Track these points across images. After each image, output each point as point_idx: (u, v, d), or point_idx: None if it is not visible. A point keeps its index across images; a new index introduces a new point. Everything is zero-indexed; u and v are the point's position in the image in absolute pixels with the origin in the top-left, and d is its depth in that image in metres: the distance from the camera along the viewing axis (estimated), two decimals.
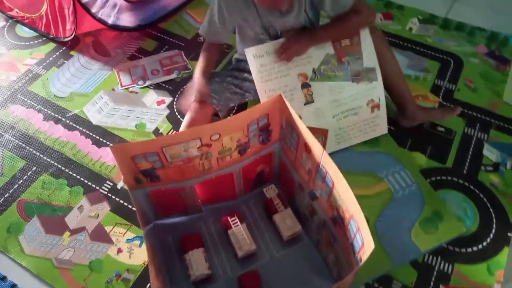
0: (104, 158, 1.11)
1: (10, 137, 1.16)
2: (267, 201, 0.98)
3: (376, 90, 1.09)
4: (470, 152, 1.13)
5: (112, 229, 0.98)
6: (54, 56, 1.37)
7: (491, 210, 1.02)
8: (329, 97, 1.07)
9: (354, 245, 0.70)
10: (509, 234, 0.97)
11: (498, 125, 1.18)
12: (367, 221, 0.94)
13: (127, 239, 0.96)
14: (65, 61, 1.36)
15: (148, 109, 1.23)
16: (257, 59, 1.02)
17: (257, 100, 1.07)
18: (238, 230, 0.92)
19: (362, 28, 1.04)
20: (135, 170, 0.79)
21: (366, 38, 1.05)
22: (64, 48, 1.39)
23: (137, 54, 1.38)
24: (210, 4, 1.03)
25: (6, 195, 1.03)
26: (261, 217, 0.99)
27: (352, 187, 1.00)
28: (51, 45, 1.40)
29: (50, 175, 1.08)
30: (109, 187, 1.05)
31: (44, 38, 1.42)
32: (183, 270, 0.88)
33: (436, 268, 0.92)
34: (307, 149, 0.78)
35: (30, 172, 1.08)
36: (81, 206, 1.02)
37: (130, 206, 1.01)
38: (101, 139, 1.15)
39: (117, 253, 0.94)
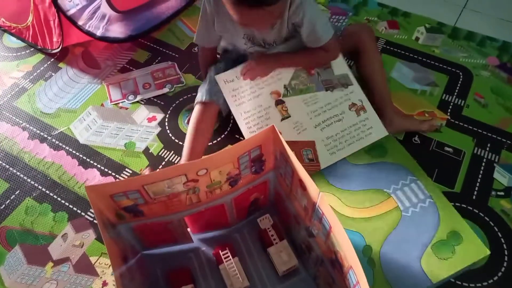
0: (90, 180, 1.05)
1: None
2: (261, 232, 0.92)
3: (355, 94, 1.07)
4: (480, 175, 1.05)
5: (97, 260, 0.93)
6: (41, 68, 1.31)
7: (502, 240, 0.95)
8: (305, 109, 1.06)
9: None
10: None
11: (510, 145, 1.11)
12: (370, 248, 0.91)
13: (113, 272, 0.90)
14: (53, 74, 1.29)
15: (139, 126, 1.16)
16: (228, 84, 1.05)
17: None
18: (230, 265, 0.86)
19: (324, 64, 1.08)
20: (115, 208, 0.73)
21: None
22: (52, 59, 1.33)
23: (128, 66, 1.31)
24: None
25: None
26: (255, 247, 0.92)
27: (355, 209, 0.97)
28: (39, 56, 1.34)
29: (34, 200, 1.02)
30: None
31: (32, 49, 1.36)
32: None
33: None
34: (302, 186, 0.71)
35: (13, 196, 1.03)
36: (65, 234, 0.97)
37: None
38: (88, 160, 1.09)
39: (102, 287, 0.89)
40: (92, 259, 0.93)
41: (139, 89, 1.25)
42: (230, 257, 0.86)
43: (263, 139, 0.74)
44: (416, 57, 1.33)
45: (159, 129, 1.16)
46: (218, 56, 1.17)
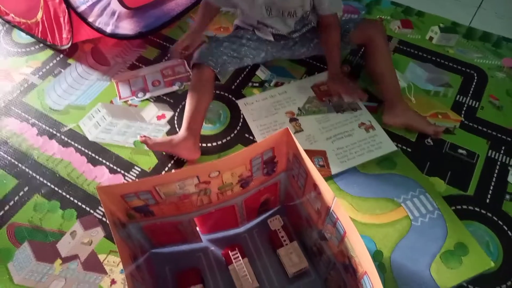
0: (99, 178, 1.04)
1: (2, 154, 1.10)
2: (271, 233, 0.91)
3: (364, 116, 1.14)
4: (494, 179, 1.03)
5: (105, 258, 0.92)
6: (51, 64, 1.30)
7: None
8: (317, 126, 1.12)
9: None
10: None
11: None
12: (381, 253, 0.90)
13: (121, 270, 0.90)
14: (62, 70, 1.29)
15: (148, 124, 1.15)
16: (248, 106, 1.17)
17: (255, 63, 1.24)
18: (239, 266, 0.85)
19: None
20: (126, 208, 0.72)
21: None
22: (61, 56, 1.32)
23: (137, 63, 1.30)
24: None
25: None
26: (265, 248, 0.91)
27: (366, 215, 0.97)
28: (48, 52, 1.34)
29: (43, 196, 1.02)
30: (104, 210, 0.99)
31: (42, 45, 1.35)
32: None
33: None
34: (316, 190, 0.70)
35: (22, 192, 1.02)
36: (74, 231, 0.96)
37: None
38: (96, 157, 1.08)
39: (111, 285, 0.88)
40: (101, 256, 0.92)
41: (149, 86, 1.24)
42: (240, 257, 0.85)
43: (277, 141, 0.73)
44: (429, 57, 1.30)
45: (168, 127, 1.15)
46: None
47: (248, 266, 0.85)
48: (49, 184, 1.04)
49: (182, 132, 1.04)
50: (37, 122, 1.16)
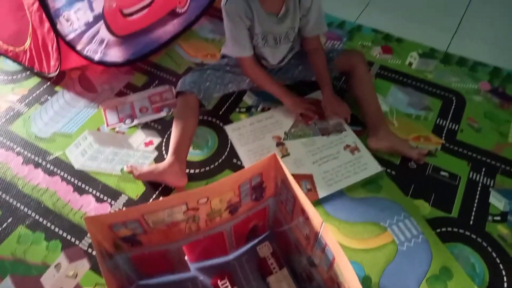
0: (85, 207, 1.03)
1: None
2: (260, 260, 0.90)
3: (349, 137, 1.16)
4: (476, 200, 1.06)
5: None
6: (37, 92, 1.30)
7: (500, 266, 0.95)
8: (304, 149, 1.14)
9: None
10: None
11: (504, 170, 1.12)
12: (369, 279, 0.90)
13: None
14: (49, 97, 1.29)
15: (135, 151, 1.15)
16: (235, 131, 1.19)
17: (240, 90, 1.27)
18: None
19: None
20: (113, 238, 0.71)
21: None
22: (48, 83, 1.32)
23: (125, 90, 1.31)
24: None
25: None
26: (254, 276, 0.91)
27: (353, 240, 0.97)
28: (35, 80, 1.34)
29: (27, 228, 0.99)
30: (90, 241, 0.97)
31: (28, 72, 1.35)
32: None
33: None
34: (304, 215, 0.71)
35: (5, 224, 1.00)
36: (58, 263, 0.94)
37: None
38: (83, 186, 1.07)
39: None
40: None
41: (136, 113, 1.24)
42: (229, 286, 0.84)
43: (264, 167, 0.74)
44: (410, 82, 1.35)
45: (156, 153, 1.15)
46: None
47: None
48: (33, 214, 1.02)
49: (168, 158, 1.05)
50: (22, 150, 1.15)
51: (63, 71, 1.32)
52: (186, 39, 1.49)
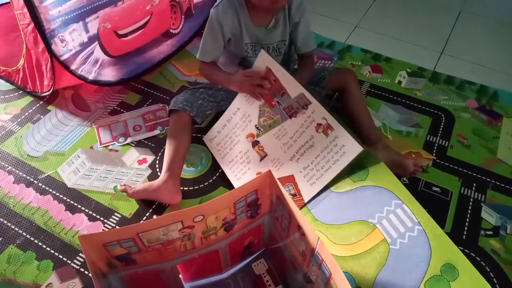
0: (78, 226, 1.02)
1: None
2: (256, 278, 0.90)
3: (317, 112, 1.02)
4: (468, 215, 1.07)
5: None
6: (30, 111, 1.30)
7: (494, 280, 0.95)
8: (278, 144, 1.08)
9: None
10: None
11: (495, 185, 1.14)
12: None
13: None
14: (42, 116, 1.28)
15: (129, 169, 1.15)
16: (213, 140, 1.17)
17: None
18: None
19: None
20: (108, 257, 0.70)
21: (274, 67, 1.03)
22: (41, 102, 1.32)
23: (118, 109, 1.32)
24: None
25: None
26: None
27: (342, 245, 0.91)
28: (28, 99, 1.34)
29: (17, 247, 0.97)
30: (82, 260, 0.95)
31: (21, 92, 1.35)
32: None
33: None
34: (300, 231, 0.71)
35: None
36: (50, 283, 0.92)
37: None
38: (75, 204, 1.06)
39: None
40: None
41: (130, 131, 1.25)
42: None
43: (260, 184, 0.75)
44: (400, 99, 1.38)
45: (149, 171, 1.15)
46: None
47: None
48: (24, 234, 1.00)
49: (162, 176, 1.05)
50: (14, 169, 1.14)
51: (56, 91, 1.32)
52: (179, 59, 1.51)
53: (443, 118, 1.32)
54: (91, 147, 1.20)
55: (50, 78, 1.21)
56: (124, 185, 1.05)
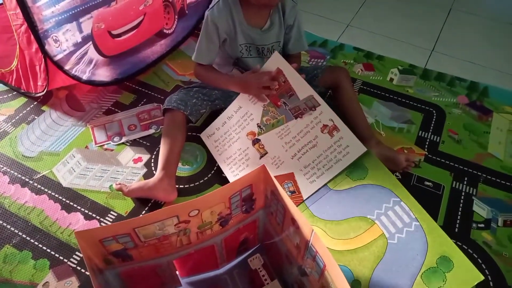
0: (74, 225, 1.02)
1: None
2: (252, 272, 0.91)
3: (324, 114, 1.04)
4: (460, 208, 1.09)
5: None
6: (24, 111, 1.30)
7: (486, 272, 0.97)
8: (280, 142, 1.08)
9: None
10: None
11: (486, 179, 1.16)
12: (359, 282, 0.86)
13: None
14: (36, 117, 1.28)
15: (124, 168, 1.16)
16: (211, 137, 1.18)
17: (223, 107, 1.19)
18: None
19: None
20: (104, 253, 0.71)
21: (286, 68, 1.06)
22: (35, 103, 1.33)
23: (113, 109, 1.32)
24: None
25: None
26: None
27: (340, 240, 0.93)
28: (22, 100, 1.34)
29: (13, 247, 0.98)
30: (78, 259, 0.96)
31: (15, 93, 1.35)
32: None
33: None
34: (295, 224, 0.72)
35: None
36: (46, 282, 0.92)
37: None
38: (71, 204, 1.06)
39: None
40: None
41: (125, 130, 1.25)
42: None
43: (254, 179, 0.76)
44: (391, 96, 1.40)
45: (145, 170, 1.15)
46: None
47: None
48: (20, 233, 1.00)
49: (157, 174, 1.06)
50: (9, 170, 1.14)
51: (50, 91, 1.32)
52: (173, 59, 1.52)
53: (435, 114, 1.34)
54: (86, 147, 1.21)
55: (44, 79, 1.21)
56: (120, 184, 1.06)
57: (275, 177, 0.72)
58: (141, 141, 1.23)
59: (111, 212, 1.05)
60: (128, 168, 1.15)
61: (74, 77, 1.24)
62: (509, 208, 1.09)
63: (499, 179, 1.16)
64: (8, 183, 1.10)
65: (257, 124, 1.10)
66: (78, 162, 1.16)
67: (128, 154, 1.19)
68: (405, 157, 1.13)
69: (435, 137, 1.27)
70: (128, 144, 1.22)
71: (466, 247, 1.01)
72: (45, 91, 1.26)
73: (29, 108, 1.31)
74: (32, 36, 1.12)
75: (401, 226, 0.90)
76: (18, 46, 1.20)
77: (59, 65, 1.17)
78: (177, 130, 1.12)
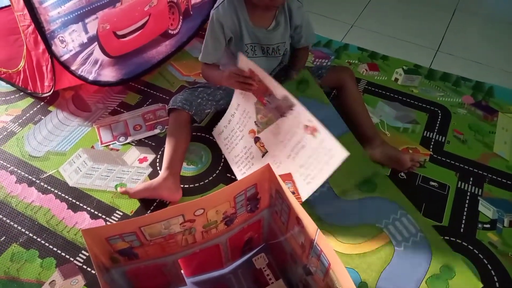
0: (80, 224, 1.03)
1: None
2: (256, 272, 0.91)
3: (302, 115, 0.98)
4: (466, 209, 1.09)
5: None
6: (31, 112, 1.31)
7: (492, 272, 0.96)
8: (275, 140, 1.06)
9: None
10: None
11: (491, 179, 1.16)
12: (366, 285, 0.90)
13: None
14: (43, 117, 1.30)
15: (129, 167, 1.16)
16: (221, 135, 1.19)
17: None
18: None
19: None
20: (110, 251, 0.72)
21: (256, 69, 1.01)
22: (42, 103, 1.34)
23: (119, 109, 1.33)
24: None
25: None
26: None
27: (348, 244, 0.97)
28: (29, 100, 1.35)
29: (20, 246, 0.99)
30: (84, 257, 0.96)
31: (22, 93, 1.37)
32: None
33: None
34: (300, 224, 0.72)
35: None
36: (53, 281, 0.93)
37: None
38: (77, 203, 1.07)
39: None
40: None
41: (130, 130, 1.26)
42: None
43: (259, 178, 0.76)
44: (396, 96, 1.40)
45: (150, 169, 1.16)
46: None
47: None
48: (27, 232, 1.01)
49: (161, 173, 1.06)
50: (16, 169, 1.15)
51: (56, 92, 1.33)
52: (178, 59, 1.52)
53: (440, 114, 1.34)
54: (92, 147, 1.21)
55: (51, 79, 1.22)
56: (124, 188, 1.06)
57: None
58: (146, 141, 1.24)
59: (117, 212, 1.05)
60: (133, 168, 1.16)
61: (80, 77, 1.25)
62: None
63: (505, 179, 1.16)
64: (15, 183, 1.12)
65: (254, 121, 1.10)
66: (84, 161, 1.17)
67: (133, 154, 1.20)
68: (409, 157, 1.13)
69: (441, 137, 1.27)
70: (134, 144, 1.23)
71: (471, 248, 1.00)
72: (51, 91, 1.27)
73: (36, 109, 1.32)
74: (39, 37, 1.13)
75: (407, 236, 0.96)
76: (25, 47, 1.21)
77: (65, 66, 1.19)
78: (181, 130, 1.13)
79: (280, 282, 0.88)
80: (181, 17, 1.49)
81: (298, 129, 1.01)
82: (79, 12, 1.17)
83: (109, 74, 1.33)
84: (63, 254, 0.97)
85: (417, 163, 1.14)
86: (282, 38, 1.17)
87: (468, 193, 1.12)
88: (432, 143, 1.25)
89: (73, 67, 1.21)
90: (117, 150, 1.21)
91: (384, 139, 1.19)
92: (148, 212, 1.05)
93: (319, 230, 0.66)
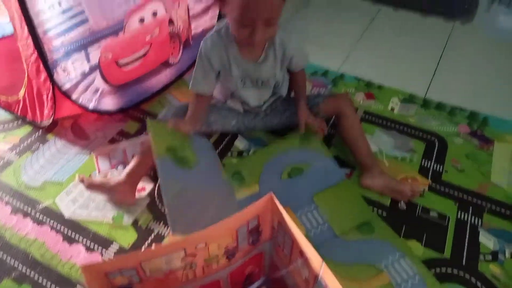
0: (75, 258, 1.00)
1: None
2: None
3: None
4: (467, 240, 1.08)
5: None
6: (29, 140, 1.30)
7: None
8: None
9: None
10: None
11: (490, 209, 1.15)
12: None
13: None
14: (41, 145, 1.29)
15: None
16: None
17: (222, 132, 1.29)
18: None
19: None
20: (109, 286, 0.69)
21: None
22: (40, 131, 1.33)
23: (118, 137, 1.33)
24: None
25: None
26: None
27: (352, 282, 0.95)
28: (27, 128, 1.34)
29: (13, 281, 0.95)
30: None
31: (20, 121, 1.36)
32: None
33: None
34: (303, 256, 0.71)
35: None
36: None
37: None
38: (73, 235, 1.05)
39: None
40: None
41: (128, 159, 1.25)
42: None
43: (261, 209, 0.75)
44: (393, 125, 1.41)
45: (148, 199, 1.14)
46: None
47: None
48: (20, 267, 0.98)
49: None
50: (11, 200, 1.13)
51: (55, 120, 1.33)
52: (177, 88, 1.54)
53: (436, 143, 1.35)
54: (90, 176, 1.20)
55: (51, 107, 1.22)
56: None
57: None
58: None
59: (113, 244, 1.03)
60: None
61: (81, 106, 1.25)
62: None
63: (504, 209, 1.16)
64: (11, 214, 1.09)
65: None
66: (82, 191, 1.16)
67: None
68: (409, 188, 1.13)
69: (438, 166, 1.27)
70: None
71: (474, 280, 0.99)
72: (51, 120, 1.27)
73: (34, 137, 1.32)
74: (41, 66, 1.14)
75: (406, 278, 0.97)
76: (26, 75, 1.21)
77: (67, 94, 1.19)
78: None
79: None
80: (181, 47, 1.51)
81: None
82: (82, 42, 1.18)
83: (109, 102, 1.33)
84: None
85: (417, 193, 1.14)
86: (272, 71, 1.16)
87: (468, 224, 1.11)
88: (430, 172, 1.25)
89: (74, 96, 1.22)
90: None
91: (382, 169, 1.19)
92: (145, 245, 1.03)
93: (324, 263, 0.65)
